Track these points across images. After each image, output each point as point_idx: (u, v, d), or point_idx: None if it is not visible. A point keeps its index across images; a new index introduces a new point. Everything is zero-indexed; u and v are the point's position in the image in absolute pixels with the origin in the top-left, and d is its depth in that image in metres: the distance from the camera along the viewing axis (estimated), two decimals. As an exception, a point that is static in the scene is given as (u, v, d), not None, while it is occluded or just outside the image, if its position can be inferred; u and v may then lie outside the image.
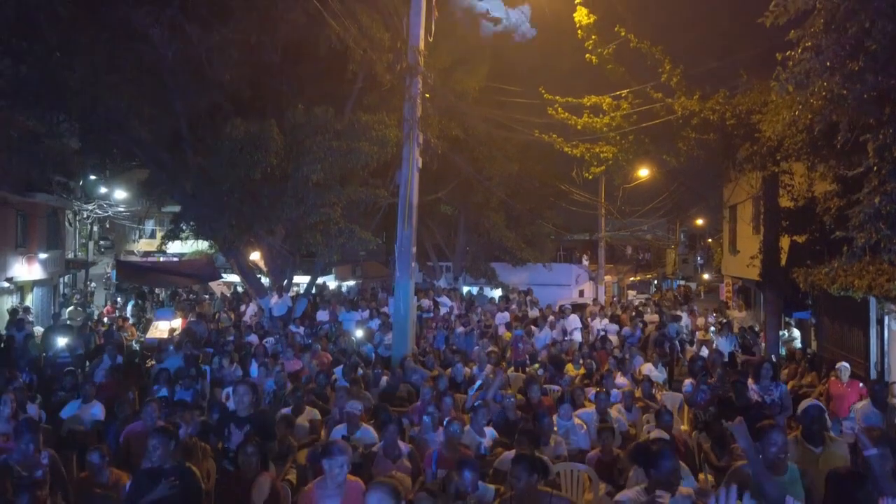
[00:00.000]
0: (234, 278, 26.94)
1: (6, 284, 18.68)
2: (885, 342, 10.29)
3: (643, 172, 24.42)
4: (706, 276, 40.18)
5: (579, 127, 13.21)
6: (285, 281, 16.29)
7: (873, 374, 10.53)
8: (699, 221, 37.11)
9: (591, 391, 9.02)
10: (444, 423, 6.34)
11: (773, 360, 10.71)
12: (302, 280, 19.07)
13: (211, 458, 6.24)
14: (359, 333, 14.00)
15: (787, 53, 7.06)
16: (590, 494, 6.11)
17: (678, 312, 17.53)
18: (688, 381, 8.88)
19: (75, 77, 12.18)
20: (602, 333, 14.48)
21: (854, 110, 6.92)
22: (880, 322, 10.39)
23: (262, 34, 12.54)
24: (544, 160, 20.25)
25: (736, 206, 19.30)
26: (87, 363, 11.81)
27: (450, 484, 4.78)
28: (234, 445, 5.46)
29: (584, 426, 7.45)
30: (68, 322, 15.96)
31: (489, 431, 7.04)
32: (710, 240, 37.22)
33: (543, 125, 13.51)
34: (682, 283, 35.72)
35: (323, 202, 12.26)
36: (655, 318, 16.33)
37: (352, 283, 26.78)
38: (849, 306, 11.10)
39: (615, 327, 15.77)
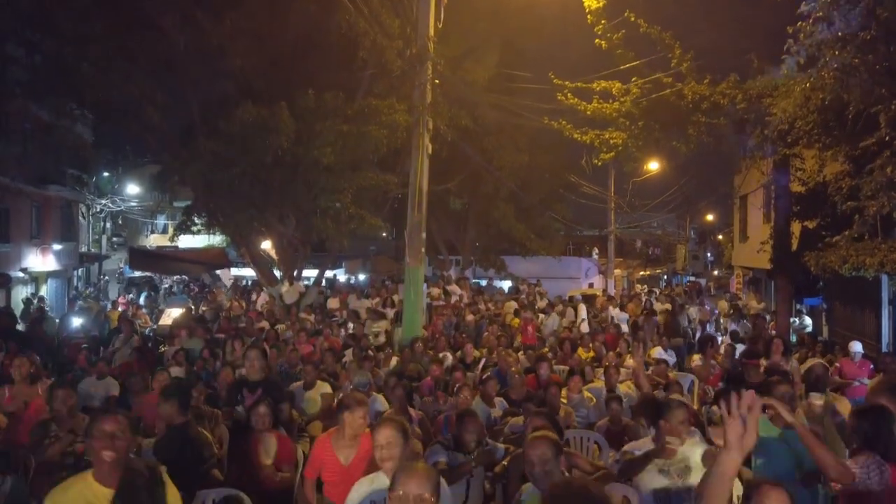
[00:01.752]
0: (244, 272, 27.19)
1: (21, 275, 18.89)
2: (898, 323, 10.24)
3: (653, 166, 24.43)
4: (716, 273, 40.03)
5: (588, 112, 13.18)
6: (295, 271, 16.40)
7: (886, 357, 10.45)
8: (709, 217, 36.99)
9: (601, 373, 9.03)
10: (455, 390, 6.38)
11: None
12: (312, 273, 19.20)
13: (223, 424, 6.30)
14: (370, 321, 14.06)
15: (798, 25, 7.05)
16: (600, 462, 6.13)
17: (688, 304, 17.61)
18: (697, 357, 8.87)
19: (89, 66, 12.34)
20: (613, 320, 14.54)
21: (866, 82, 6.90)
22: (892, 302, 10.33)
23: (272, 23, 12.66)
24: (554, 150, 20.26)
25: (746, 196, 19.22)
26: (102, 349, 11.97)
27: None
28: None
29: (594, 399, 7.47)
30: (83, 306, 16.13)
31: (500, 402, 7.07)
32: (720, 236, 37.08)
33: (552, 111, 13.51)
34: (692, 278, 35.55)
35: (333, 187, 12.34)
36: (668, 305, 16.30)
37: (362, 276, 26.90)
38: (860, 288, 11.04)
39: (626, 316, 15.81)
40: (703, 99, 12.41)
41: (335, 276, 23.80)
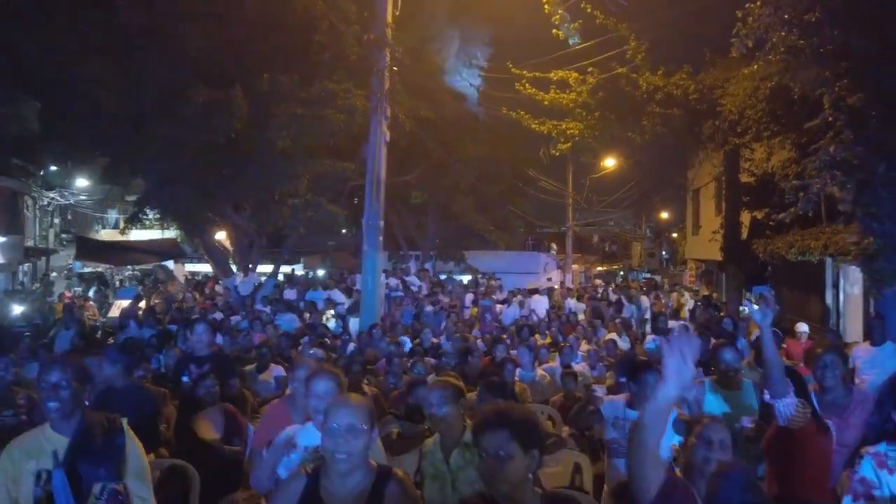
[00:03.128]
0: (199, 268, 26.62)
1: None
2: (841, 305, 10.58)
3: (610, 162, 24.82)
4: (671, 270, 40.82)
5: (546, 102, 13.35)
6: (251, 263, 16.13)
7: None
8: (664, 215, 37.71)
9: (556, 356, 9.11)
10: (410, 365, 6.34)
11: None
12: (269, 269, 18.90)
13: (172, 404, 6.13)
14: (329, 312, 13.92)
15: (747, 7, 7.23)
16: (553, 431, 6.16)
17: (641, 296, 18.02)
18: (650, 338, 9.01)
19: (34, 47, 11.88)
20: (571, 310, 14.68)
21: (811, 64, 7.10)
22: (836, 286, 10.68)
23: (229, 4, 12.39)
24: (514, 144, 20.37)
25: (699, 189, 19.68)
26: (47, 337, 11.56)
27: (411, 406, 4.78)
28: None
29: (548, 377, 7.52)
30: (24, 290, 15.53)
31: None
32: (674, 234, 37.85)
33: (511, 100, 13.63)
34: (648, 275, 36.24)
35: (289, 173, 12.16)
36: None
37: (321, 272, 26.62)
38: (806, 273, 11.39)
39: (583, 306, 16.00)
40: (657, 90, 12.68)
41: (293, 270, 23.48)
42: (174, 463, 4.53)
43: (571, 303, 16.13)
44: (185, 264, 27.54)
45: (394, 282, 16.44)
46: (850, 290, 10.40)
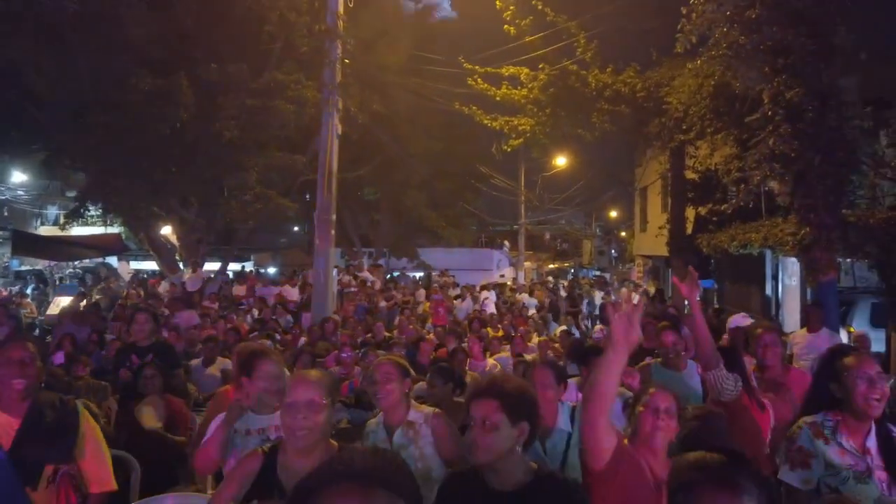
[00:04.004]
0: (144, 265, 25.86)
1: None
2: (780, 296, 10.98)
3: (561, 161, 25.18)
4: (619, 268, 41.62)
5: (498, 98, 13.42)
6: (198, 259, 15.73)
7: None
8: (613, 213, 38.46)
9: (508, 347, 9.19)
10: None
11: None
12: (217, 266, 18.50)
13: (113, 398, 5.93)
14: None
15: (691, 2, 7.42)
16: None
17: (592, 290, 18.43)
18: (598, 328, 9.17)
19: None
20: (525, 305, 14.87)
21: (752, 60, 7.33)
22: (775, 277, 11.08)
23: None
24: (467, 140, 20.44)
25: (646, 187, 20.13)
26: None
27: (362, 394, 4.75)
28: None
29: (499, 366, 7.57)
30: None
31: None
32: (622, 232, 38.65)
33: (464, 96, 13.67)
34: (598, 273, 36.93)
35: (237, 164, 11.91)
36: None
37: (272, 270, 26.23)
38: (747, 267, 11.78)
39: (534, 301, 16.21)
40: (606, 87, 12.91)
41: (243, 267, 23.04)
42: (115, 454, 4.38)
43: (524, 298, 16.35)
44: (130, 261, 26.74)
45: (346, 278, 16.31)
46: (788, 281, 10.80)
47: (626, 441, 2.56)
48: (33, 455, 2.78)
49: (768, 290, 11.31)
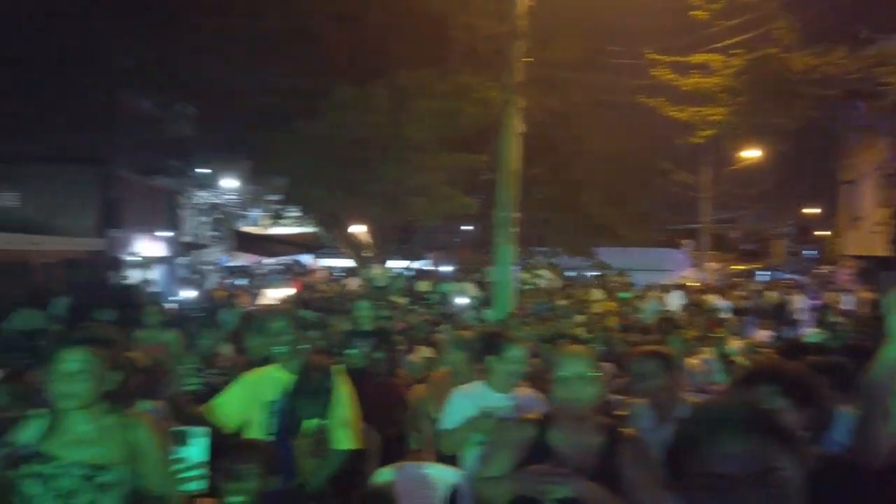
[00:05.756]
0: (332, 262, 27.97)
1: (134, 258, 20.23)
2: None
3: (751, 154, 23.36)
4: (818, 270, 37.78)
5: (687, 88, 12.77)
6: (385, 258, 16.72)
7: None
8: (811, 211, 35.01)
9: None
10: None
11: None
12: (397, 264, 19.54)
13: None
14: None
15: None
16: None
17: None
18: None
19: (188, 52, 12.95)
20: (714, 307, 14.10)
21: None
22: None
23: (363, 6, 12.88)
24: (644, 135, 19.62)
25: (856, 179, 18.07)
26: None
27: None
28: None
29: (703, 366, 7.20)
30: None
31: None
32: (821, 233, 35.10)
33: (648, 87, 13.16)
34: (792, 275, 33.77)
35: (427, 165, 12.52)
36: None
37: (449, 267, 27.09)
38: None
39: (726, 303, 15.33)
40: (813, 69, 11.76)
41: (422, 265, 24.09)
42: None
43: (714, 299, 15.50)
44: (319, 259, 28.99)
45: (524, 276, 16.45)
46: None
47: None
48: (300, 407, 3.24)
49: None
